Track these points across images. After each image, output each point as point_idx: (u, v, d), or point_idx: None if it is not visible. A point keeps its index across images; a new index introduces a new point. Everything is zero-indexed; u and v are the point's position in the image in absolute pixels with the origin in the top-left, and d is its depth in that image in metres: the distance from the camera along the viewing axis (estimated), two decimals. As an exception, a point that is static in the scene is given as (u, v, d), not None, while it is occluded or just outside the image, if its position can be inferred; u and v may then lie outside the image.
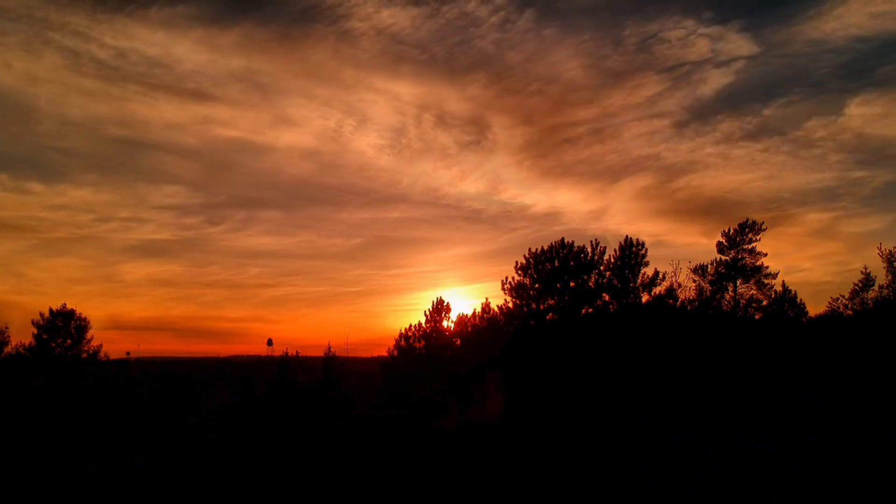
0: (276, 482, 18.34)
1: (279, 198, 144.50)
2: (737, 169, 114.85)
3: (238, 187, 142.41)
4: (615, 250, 28.44)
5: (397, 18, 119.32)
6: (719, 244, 28.08)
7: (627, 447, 16.48)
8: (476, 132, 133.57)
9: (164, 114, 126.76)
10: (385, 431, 23.26)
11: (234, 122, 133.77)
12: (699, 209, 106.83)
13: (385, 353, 32.08)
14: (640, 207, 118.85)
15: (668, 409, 20.42)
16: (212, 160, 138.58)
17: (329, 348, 31.18)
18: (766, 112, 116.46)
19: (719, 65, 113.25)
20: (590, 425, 20.60)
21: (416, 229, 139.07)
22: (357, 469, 18.84)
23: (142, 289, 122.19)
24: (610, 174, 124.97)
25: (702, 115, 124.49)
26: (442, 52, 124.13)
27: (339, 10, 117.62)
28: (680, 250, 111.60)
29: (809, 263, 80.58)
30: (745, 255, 27.60)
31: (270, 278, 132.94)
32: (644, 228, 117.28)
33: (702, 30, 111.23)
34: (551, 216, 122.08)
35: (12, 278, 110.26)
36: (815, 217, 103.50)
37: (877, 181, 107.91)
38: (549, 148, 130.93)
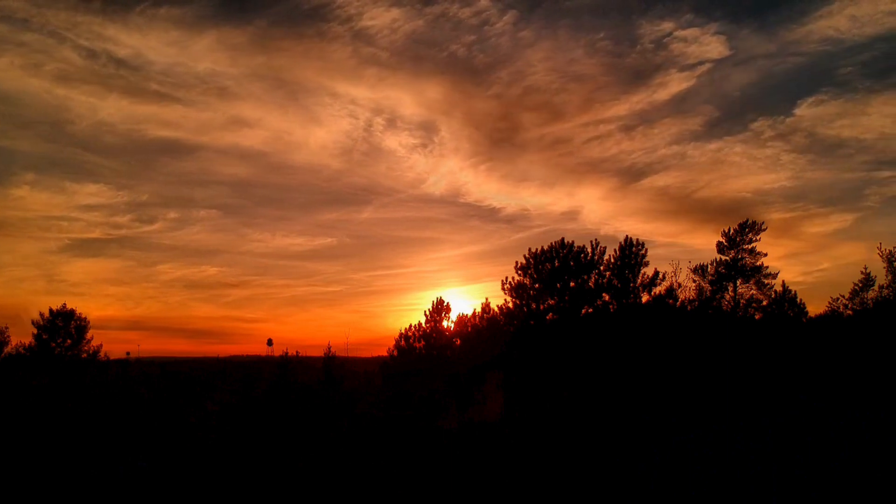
0: (277, 482, 18.35)
1: (309, 198, 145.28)
2: (762, 169, 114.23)
3: (272, 188, 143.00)
4: (615, 250, 28.47)
5: (408, 17, 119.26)
6: (719, 244, 28.07)
7: (627, 447, 16.48)
8: (505, 129, 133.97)
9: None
10: (385, 431, 23.25)
11: (261, 122, 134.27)
12: (718, 209, 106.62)
13: (385, 353, 32.10)
14: (658, 208, 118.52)
15: (668, 410, 20.42)
16: (249, 160, 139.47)
17: (329, 348, 31.16)
18: (797, 112, 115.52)
19: (739, 62, 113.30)
20: (590, 425, 20.61)
21: (425, 229, 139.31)
22: (357, 469, 18.84)
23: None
24: (633, 173, 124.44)
25: (732, 113, 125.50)
26: (461, 51, 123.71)
27: (348, 9, 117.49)
28: (695, 250, 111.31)
29: (828, 264, 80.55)
30: (745, 255, 27.59)
31: (291, 279, 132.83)
32: (660, 228, 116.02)
33: (715, 28, 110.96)
34: (567, 215, 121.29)
35: (44, 278, 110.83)
36: (838, 217, 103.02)
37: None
38: (577, 146, 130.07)
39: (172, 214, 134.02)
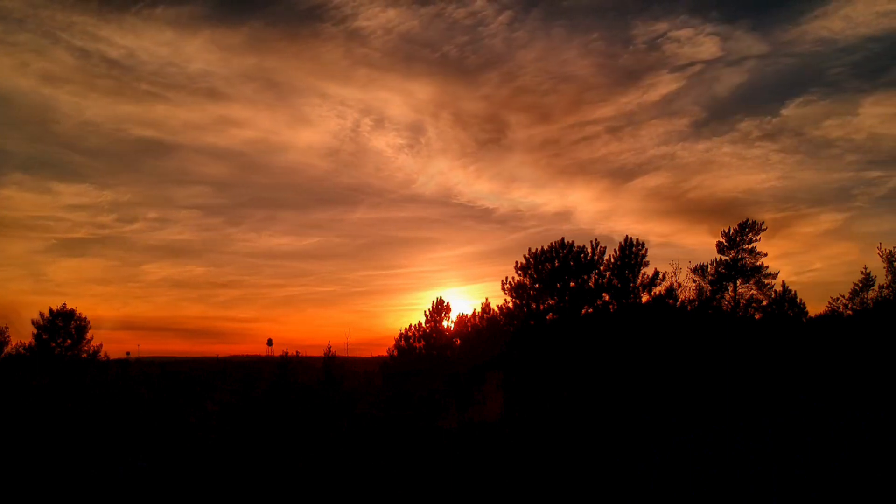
0: (277, 482, 18.35)
1: (296, 198, 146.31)
2: (752, 169, 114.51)
3: (257, 188, 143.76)
4: (615, 250, 28.47)
5: (404, 18, 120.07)
6: (719, 244, 28.08)
7: (627, 447, 16.48)
8: (493, 130, 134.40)
9: (180, 113, 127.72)
10: (385, 431, 23.25)
11: (250, 122, 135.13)
12: (710, 209, 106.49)
13: (385, 353, 32.09)
14: (650, 208, 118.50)
15: (668, 410, 20.42)
16: (233, 160, 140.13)
17: (329, 348, 31.13)
18: (784, 112, 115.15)
19: (730, 63, 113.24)
20: (590, 425, 20.61)
21: (420, 229, 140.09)
22: (357, 469, 18.84)
23: (159, 289, 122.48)
24: (623, 174, 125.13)
25: (719, 114, 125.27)
26: (453, 51, 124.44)
27: (344, 9, 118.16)
28: (689, 251, 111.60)
29: (820, 263, 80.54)
30: (745, 255, 27.59)
31: (282, 279, 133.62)
32: (653, 228, 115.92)
33: (710, 28, 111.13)
34: (561, 215, 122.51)
35: (31, 278, 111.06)
36: (828, 217, 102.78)
37: (891, 181, 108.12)
38: (565, 147, 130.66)
39: (153, 214, 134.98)
